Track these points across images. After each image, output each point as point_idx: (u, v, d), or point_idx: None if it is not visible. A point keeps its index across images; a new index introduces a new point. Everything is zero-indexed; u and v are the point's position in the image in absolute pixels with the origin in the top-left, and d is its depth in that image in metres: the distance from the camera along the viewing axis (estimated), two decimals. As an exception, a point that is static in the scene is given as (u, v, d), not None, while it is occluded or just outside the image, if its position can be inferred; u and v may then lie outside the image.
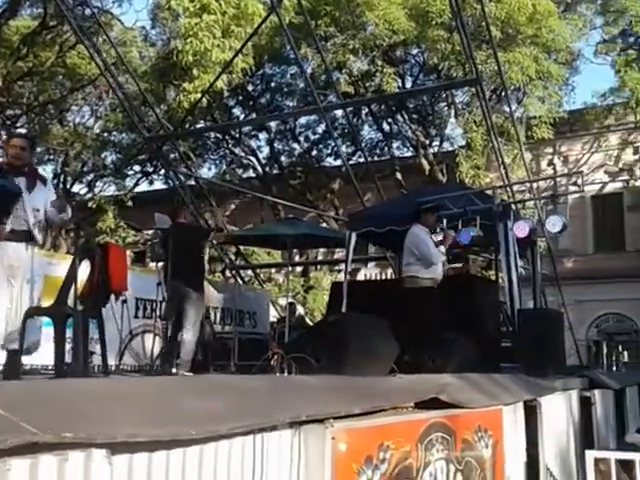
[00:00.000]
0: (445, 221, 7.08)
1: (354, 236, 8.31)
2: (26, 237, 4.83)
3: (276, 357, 4.91)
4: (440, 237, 6.83)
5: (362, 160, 19.34)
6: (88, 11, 14.65)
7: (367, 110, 19.10)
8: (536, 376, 5.51)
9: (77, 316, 4.33)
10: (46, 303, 5.07)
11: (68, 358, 4.56)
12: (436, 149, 19.84)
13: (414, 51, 17.77)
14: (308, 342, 4.21)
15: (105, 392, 2.26)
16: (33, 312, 4.64)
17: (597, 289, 20.63)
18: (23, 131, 22.35)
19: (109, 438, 1.89)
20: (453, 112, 17.45)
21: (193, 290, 6.71)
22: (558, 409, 5.86)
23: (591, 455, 4.40)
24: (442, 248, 6.57)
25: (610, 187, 22.63)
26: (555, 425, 5.68)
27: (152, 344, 8.41)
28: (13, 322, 4.66)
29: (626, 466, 4.86)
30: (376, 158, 20.71)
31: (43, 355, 5.23)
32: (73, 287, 4.42)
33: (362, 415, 3.06)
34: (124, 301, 7.71)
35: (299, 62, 11.71)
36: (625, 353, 18.24)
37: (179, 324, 6.78)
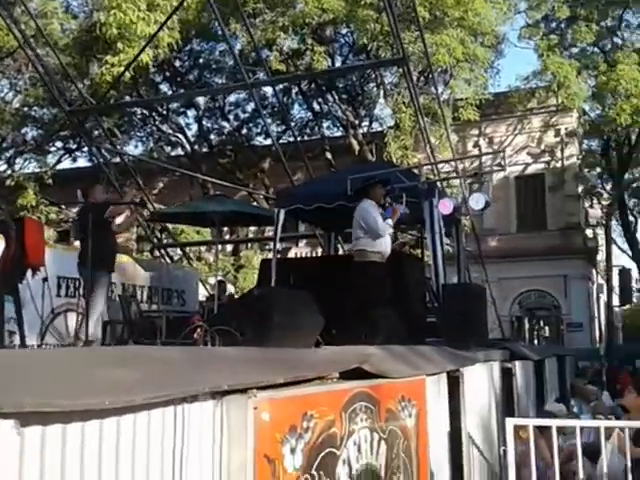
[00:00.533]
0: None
1: (282, 213, 8.27)
2: None
3: (199, 330, 4.85)
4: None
5: (292, 139, 19.31)
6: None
7: (297, 89, 19.01)
8: (459, 348, 5.65)
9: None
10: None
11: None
12: (365, 129, 19.96)
13: (344, 31, 17.77)
14: (233, 315, 4.18)
15: (14, 362, 2.18)
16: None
17: (520, 267, 21.34)
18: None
19: (17, 407, 1.82)
20: (382, 92, 17.56)
21: (98, 269, 6.56)
22: (480, 379, 6.04)
23: (511, 422, 4.53)
24: (389, 221, 6.57)
25: (532, 168, 23.38)
26: (477, 395, 5.86)
27: (76, 323, 8.20)
28: None
29: (545, 432, 5.06)
30: (306, 137, 20.69)
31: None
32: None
33: (286, 386, 3.06)
34: (45, 279, 7.48)
35: (227, 38, 11.53)
36: (546, 328, 19.03)
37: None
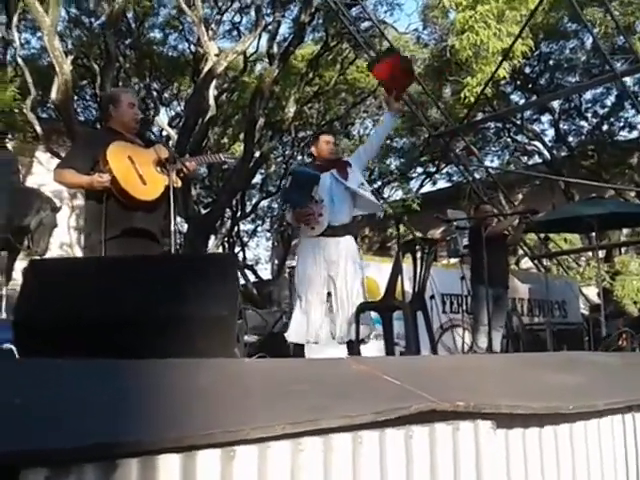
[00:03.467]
0: None
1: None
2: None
3: (624, 336, 4.64)
4: None
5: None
6: (363, 25, 15.56)
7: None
8: None
9: (407, 309, 4.59)
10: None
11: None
12: None
13: None
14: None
15: (471, 367, 2.36)
16: (364, 307, 5.02)
17: None
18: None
19: (494, 409, 1.97)
20: None
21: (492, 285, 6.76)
22: None
23: None
24: None
25: None
26: None
27: (462, 338, 8.56)
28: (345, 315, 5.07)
29: None
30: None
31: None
32: (399, 282, 4.70)
33: None
34: (432, 297, 7.99)
35: (588, 28, 10.96)
36: None
37: None
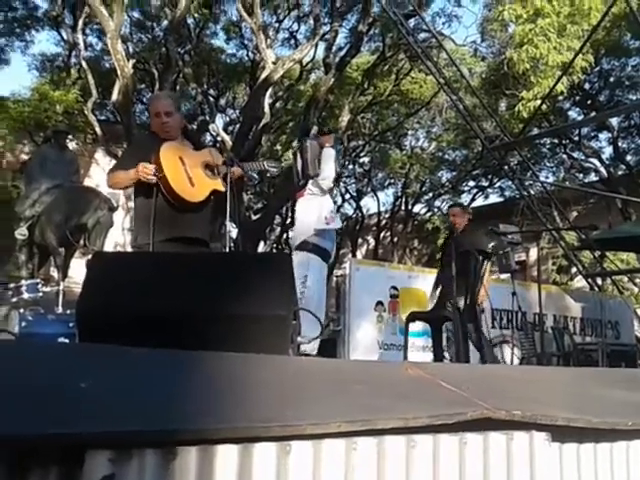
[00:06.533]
0: None
1: None
2: None
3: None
4: None
5: None
6: (421, 36, 15.56)
7: None
8: None
9: (457, 319, 4.56)
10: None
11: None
12: None
13: None
14: None
15: (528, 378, 2.34)
16: (415, 317, 5.02)
17: None
18: (366, 160, 24.57)
19: (550, 420, 1.95)
20: None
21: None
22: None
23: None
24: None
25: None
26: None
27: (512, 353, 8.44)
28: None
29: None
30: None
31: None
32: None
33: None
34: (482, 311, 7.92)
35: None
36: None
37: None
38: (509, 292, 7.91)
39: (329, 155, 5.89)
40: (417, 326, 6.21)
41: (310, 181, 5.80)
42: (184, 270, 2.82)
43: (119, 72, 13.31)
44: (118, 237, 16.77)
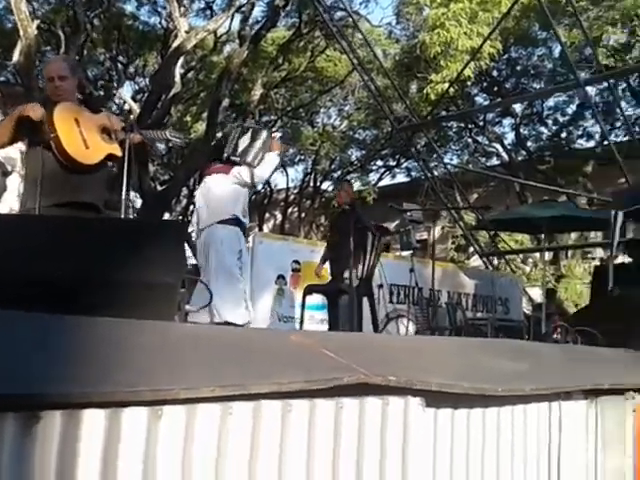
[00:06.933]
0: None
1: (621, 215, 7.72)
2: None
3: (559, 330, 4.77)
4: None
5: (618, 140, 17.92)
6: (337, 15, 15.55)
7: (625, 85, 17.62)
8: None
9: (353, 293, 4.63)
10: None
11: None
12: None
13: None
14: (590, 316, 4.03)
15: (412, 346, 2.41)
16: (311, 289, 5.06)
17: None
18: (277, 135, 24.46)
19: (425, 385, 2.01)
20: None
21: None
22: None
23: None
24: None
25: None
26: None
27: (406, 328, 8.68)
28: None
29: None
30: (637, 136, 19.01)
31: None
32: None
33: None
34: (380, 285, 8.10)
35: (558, 36, 11.11)
36: None
37: None
38: (407, 269, 8.15)
39: (274, 160, 5.77)
40: (316, 299, 6.28)
41: (245, 167, 5.61)
42: (74, 235, 2.71)
43: (22, 32, 12.61)
44: (13, 202, 15.96)
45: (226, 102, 17.19)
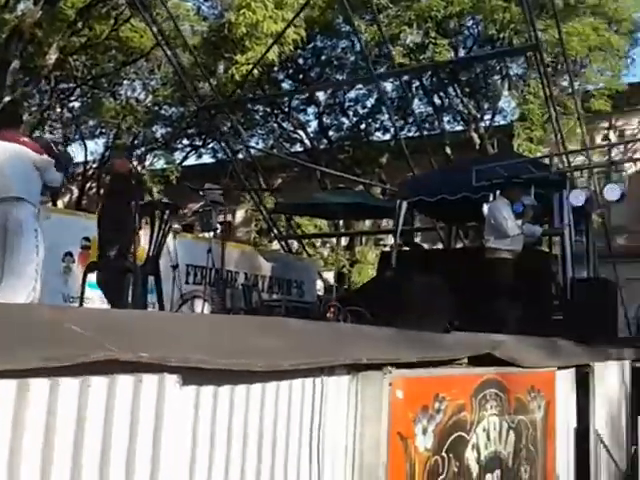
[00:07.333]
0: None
1: (404, 204, 8.28)
2: None
3: (332, 310, 4.97)
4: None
5: (411, 134, 19.20)
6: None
7: (419, 83, 18.88)
8: (588, 344, 5.45)
9: (137, 270, 4.47)
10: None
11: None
12: (487, 123, 19.53)
13: (469, 22, 17.45)
14: (364, 298, 4.25)
15: (175, 323, 2.35)
16: (94, 267, 4.80)
17: (650, 268, 20.04)
18: (75, 104, 22.92)
19: (182, 362, 1.97)
20: (507, 84, 17.14)
21: None
22: (611, 377, 5.80)
23: (645, 421, 4.34)
24: (519, 222, 6.57)
25: (668, 165, 21.91)
26: (607, 392, 5.63)
27: (202, 310, 8.60)
28: None
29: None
30: (425, 133, 20.53)
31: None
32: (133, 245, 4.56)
33: (418, 367, 3.10)
34: (175, 266, 7.92)
35: (355, 29, 11.59)
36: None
37: None
38: (205, 249, 8.07)
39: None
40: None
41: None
42: None
43: None
44: None
45: (16, 64, 15.82)
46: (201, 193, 6.27)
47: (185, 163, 23.74)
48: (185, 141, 23.90)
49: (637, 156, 8.14)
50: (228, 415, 2.30)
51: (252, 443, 2.39)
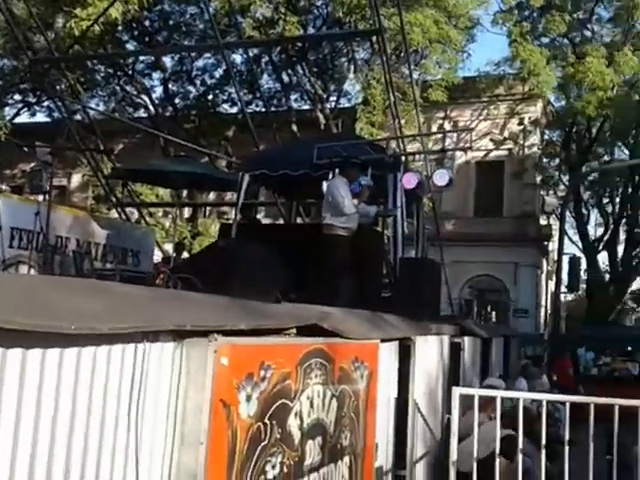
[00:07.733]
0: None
1: (247, 178, 8.25)
2: None
3: (162, 276, 4.86)
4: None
5: (258, 109, 19.20)
6: None
7: (268, 59, 18.87)
8: (411, 319, 5.78)
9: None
10: None
11: None
12: (333, 104, 19.97)
13: (318, 2, 17.68)
14: (196, 266, 4.19)
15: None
16: None
17: (473, 251, 21.65)
18: None
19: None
20: (353, 68, 17.58)
21: None
22: (430, 350, 6.20)
23: (457, 391, 4.66)
24: (355, 201, 6.74)
25: (494, 155, 23.67)
26: (426, 365, 6.01)
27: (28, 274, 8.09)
28: None
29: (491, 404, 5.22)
30: (273, 108, 20.60)
31: None
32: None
33: (246, 335, 3.11)
34: (-1, 228, 7.38)
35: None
36: (494, 313, 19.50)
37: None
38: (33, 212, 7.59)
39: None
40: None
41: None
42: None
43: None
44: None
45: None
46: (25, 149, 5.84)
47: (16, 120, 22.09)
48: (17, 96, 22.21)
49: (467, 145, 8.78)
50: (39, 381, 2.17)
51: (65, 407, 2.27)
